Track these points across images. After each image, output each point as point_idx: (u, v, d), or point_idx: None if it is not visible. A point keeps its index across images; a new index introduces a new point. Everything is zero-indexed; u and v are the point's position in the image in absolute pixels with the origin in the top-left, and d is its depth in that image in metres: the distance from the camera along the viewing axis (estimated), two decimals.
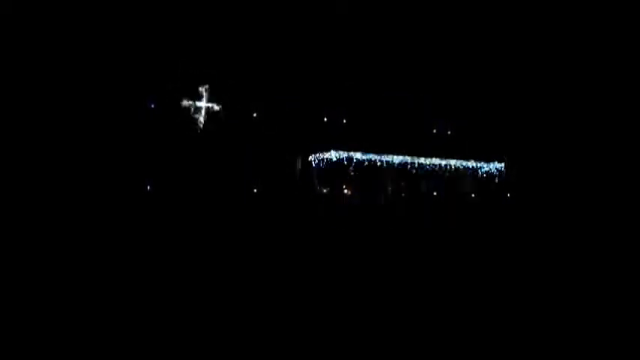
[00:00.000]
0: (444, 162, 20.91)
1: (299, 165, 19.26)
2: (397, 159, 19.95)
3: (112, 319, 5.55)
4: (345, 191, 19.97)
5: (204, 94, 17.21)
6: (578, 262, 10.75)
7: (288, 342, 4.96)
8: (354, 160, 19.31)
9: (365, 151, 19.42)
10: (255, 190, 17.99)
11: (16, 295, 6.43)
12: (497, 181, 21.80)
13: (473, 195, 22.20)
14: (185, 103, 17.02)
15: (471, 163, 21.37)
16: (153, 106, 16.56)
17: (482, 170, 21.68)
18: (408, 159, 20.20)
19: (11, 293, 6.51)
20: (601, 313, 6.29)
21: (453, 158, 20.97)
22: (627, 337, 5.29)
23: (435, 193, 21.73)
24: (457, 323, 5.66)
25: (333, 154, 19.07)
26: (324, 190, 18.96)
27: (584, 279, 8.68)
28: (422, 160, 20.52)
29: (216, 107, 17.36)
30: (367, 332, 5.30)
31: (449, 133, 21.60)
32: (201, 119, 17.21)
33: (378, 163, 19.86)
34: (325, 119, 19.42)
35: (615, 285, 8.10)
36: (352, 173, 20.19)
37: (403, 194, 20.31)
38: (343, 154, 19.09)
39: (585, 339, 5.20)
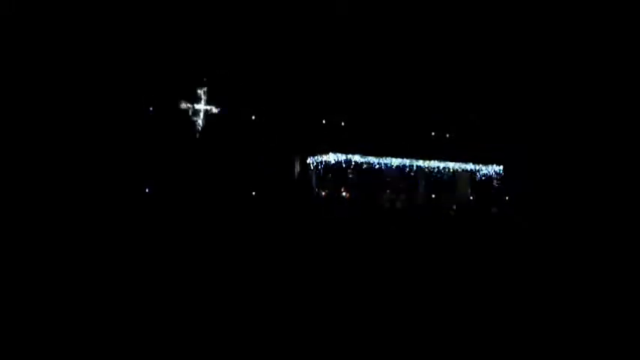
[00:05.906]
0: (442, 164, 20.94)
1: (298, 168, 19.24)
2: (396, 161, 19.94)
3: (112, 320, 5.56)
4: (344, 193, 19.98)
5: (202, 96, 17.20)
6: (577, 264, 10.77)
7: (288, 343, 4.98)
8: (353, 163, 19.29)
9: (364, 154, 19.41)
10: (253, 193, 17.99)
11: (16, 296, 6.42)
12: (495, 183, 21.84)
13: (471, 197, 22.25)
14: (184, 105, 17.02)
15: (470, 166, 21.39)
16: (151, 108, 16.54)
17: (481, 173, 21.72)
18: (407, 162, 20.21)
19: (11, 293, 6.51)
20: (601, 315, 6.32)
21: (451, 161, 20.99)
22: (627, 339, 5.34)
23: (433, 196, 21.77)
24: (457, 326, 5.69)
25: (331, 157, 19.04)
26: (323, 193, 18.96)
27: (583, 280, 8.70)
28: (420, 162, 20.52)
29: (215, 110, 17.36)
30: (367, 333, 5.33)
31: (447, 135, 21.62)
32: (200, 122, 17.21)
33: (377, 166, 19.87)
34: (324, 122, 19.41)
35: (615, 287, 8.13)
36: (351, 176, 20.19)
37: (402, 196, 20.32)
38: (342, 157, 19.07)
39: (586, 341, 5.24)
